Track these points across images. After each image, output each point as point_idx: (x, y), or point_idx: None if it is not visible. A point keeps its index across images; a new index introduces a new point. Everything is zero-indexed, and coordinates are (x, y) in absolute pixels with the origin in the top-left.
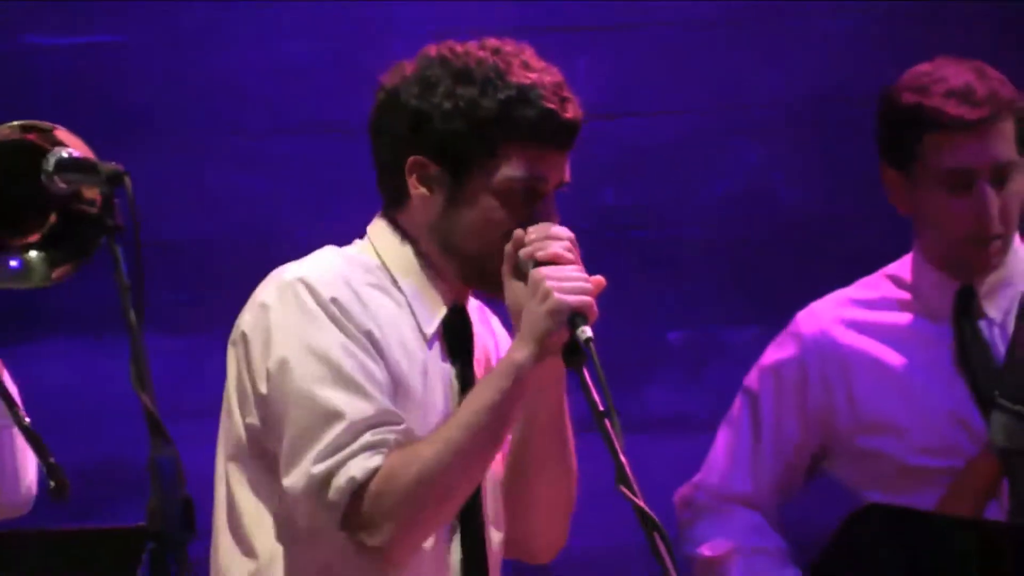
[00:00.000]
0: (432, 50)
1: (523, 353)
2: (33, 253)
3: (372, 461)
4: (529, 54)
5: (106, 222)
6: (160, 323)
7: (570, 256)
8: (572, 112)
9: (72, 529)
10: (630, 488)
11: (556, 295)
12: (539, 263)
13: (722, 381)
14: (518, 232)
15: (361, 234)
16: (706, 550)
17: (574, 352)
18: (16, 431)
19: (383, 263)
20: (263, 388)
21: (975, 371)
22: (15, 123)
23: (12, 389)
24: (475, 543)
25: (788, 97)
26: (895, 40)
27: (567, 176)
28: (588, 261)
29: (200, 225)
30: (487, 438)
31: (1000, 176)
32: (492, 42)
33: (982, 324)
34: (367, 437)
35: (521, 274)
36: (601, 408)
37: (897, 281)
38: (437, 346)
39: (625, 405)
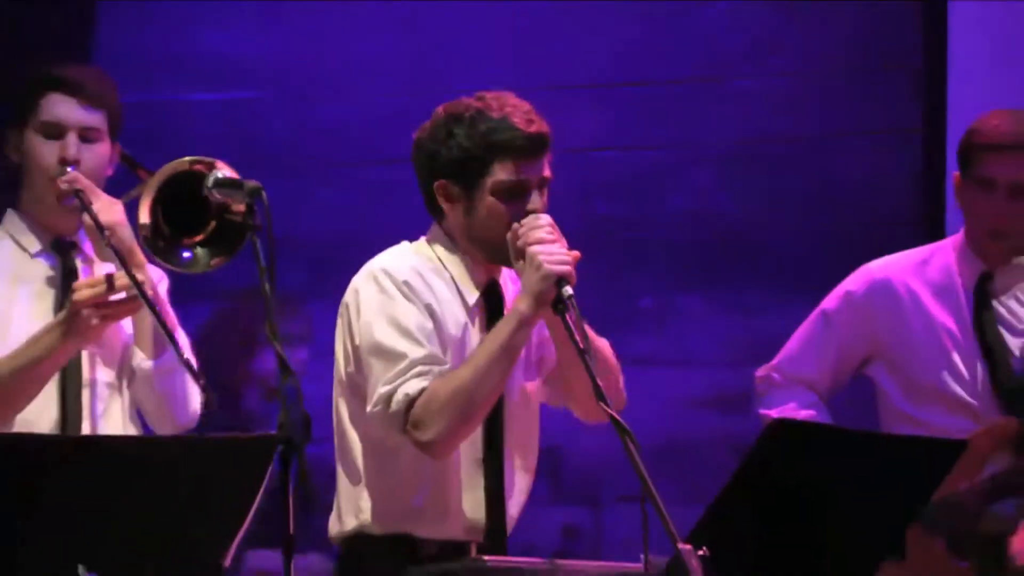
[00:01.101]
0: (440, 108)
1: (524, 305)
2: (199, 249)
3: (421, 383)
4: (506, 97)
5: (249, 224)
6: (287, 293)
7: (551, 237)
8: (536, 128)
9: (219, 436)
10: (605, 403)
11: (546, 266)
12: (529, 244)
13: (676, 333)
14: (513, 226)
15: (423, 232)
16: (774, 413)
17: (560, 304)
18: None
19: (436, 255)
20: (357, 342)
21: (984, 336)
22: (185, 158)
23: (180, 336)
24: (496, 455)
25: (734, 137)
26: (808, 97)
27: (547, 173)
28: (586, 253)
29: (315, 228)
30: (500, 363)
31: (1019, 189)
32: (480, 93)
33: (994, 303)
34: (418, 368)
35: (521, 253)
36: (581, 346)
37: (946, 257)
38: (477, 311)
39: (616, 343)
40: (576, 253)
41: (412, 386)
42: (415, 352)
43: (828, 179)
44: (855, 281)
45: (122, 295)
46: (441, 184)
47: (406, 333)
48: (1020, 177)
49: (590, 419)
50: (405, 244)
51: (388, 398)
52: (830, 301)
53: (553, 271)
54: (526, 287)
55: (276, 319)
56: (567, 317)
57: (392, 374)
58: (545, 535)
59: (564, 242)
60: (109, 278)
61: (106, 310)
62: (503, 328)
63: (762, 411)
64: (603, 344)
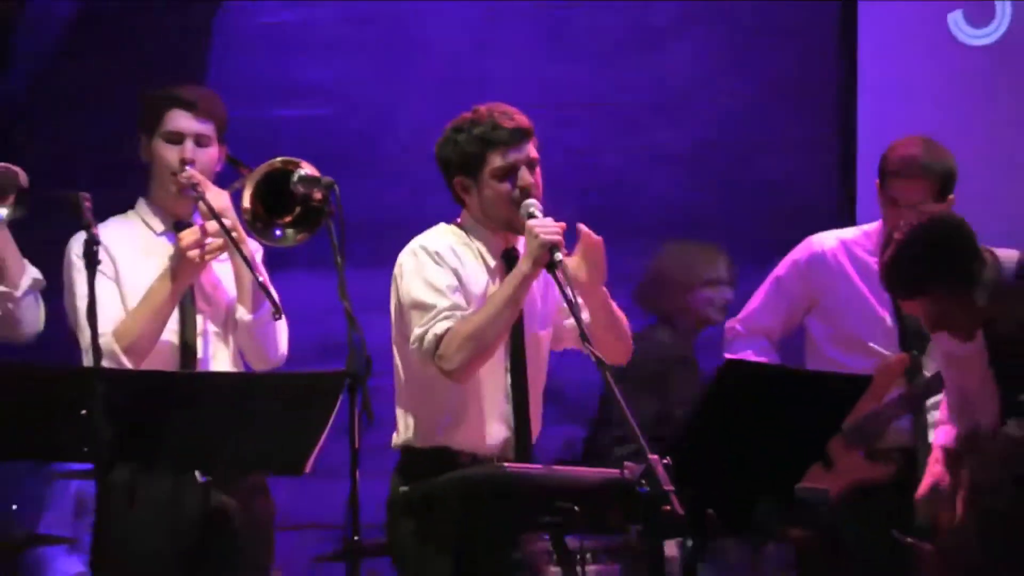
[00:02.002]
0: (450, 123)
1: (525, 266)
2: (288, 228)
3: (446, 324)
4: (494, 105)
5: (326, 210)
6: (355, 263)
7: (539, 214)
8: (514, 123)
9: (303, 372)
10: (588, 342)
11: (541, 236)
12: (527, 220)
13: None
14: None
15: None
16: (734, 356)
17: (552, 266)
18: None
19: (464, 232)
20: (402, 299)
21: (894, 299)
22: (277, 159)
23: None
24: (520, 387)
25: (691, 143)
26: (749, 114)
27: (533, 155)
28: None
29: (373, 214)
30: (506, 309)
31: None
32: (475, 106)
33: None
34: (444, 314)
35: (523, 228)
36: (570, 299)
37: (870, 239)
38: (499, 272)
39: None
40: (563, 224)
41: (439, 327)
42: (442, 303)
43: (766, 176)
44: (799, 252)
45: (218, 241)
46: (457, 180)
47: (436, 290)
48: (916, 199)
49: (609, 359)
50: (442, 225)
51: (422, 338)
52: (780, 269)
53: (546, 240)
54: (527, 252)
55: (346, 283)
56: (557, 275)
57: (425, 320)
58: (548, 448)
59: (551, 219)
60: (202, 228)
61: (202, 251)
62: (509, 283)
63: (727, 355)
64: (614, 305)
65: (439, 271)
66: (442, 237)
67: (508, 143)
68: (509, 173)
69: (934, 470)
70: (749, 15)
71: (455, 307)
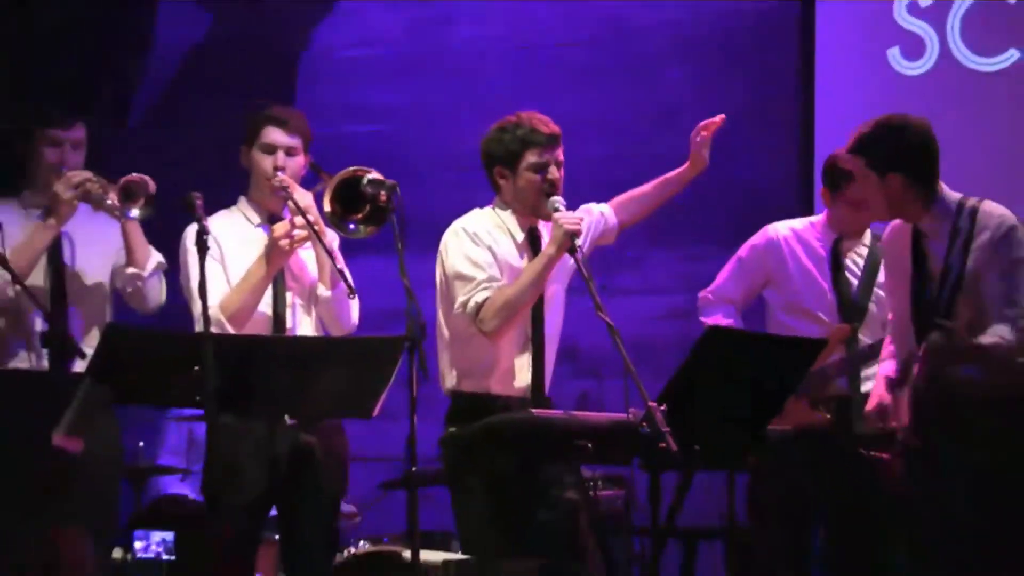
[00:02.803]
0: (495, 124)
1: (552, 250)
2: (360, 223)
3: (485, 294)
4: (533, 113)
5: (389, 207)
6: (412, 249)
7: (563, 208)
8: (549, 129)
9: (371, 336)
10: (601, 310)
11: (566, 226)
12: (554, 212)
13: (647, 272)
14: (547, 206)
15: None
16: (709, 321)
17: (572, 250)
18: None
19: (497, 215)
20: (447, 273)
21: (836, 278)
22: (351, 167)
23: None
24: (539, 340)
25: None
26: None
27: (560, 157)
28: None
29: (426, 208)
30: (534, 284)
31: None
32: (517, 112)
33: (843, 258)
34: (483, 285)
35: (550, 217)
36: (585, 275)
37: (815, 228)
38: (525, 248)
39: (609, 279)
40: (581, 217)
41: (479, 296)
42: (480, 275)
43: (741, 174)
44: (757, 238)
45: (303, 232)
46: (497, 169)
47: (475, 264)
48: (852, 214)
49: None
50: (477, 210)
51: (465, 304)
52: (743, 251)
53: (569, 229)
54: (552, 239)
55: (405, 264)
56: (576, 257)
57: (467, 289)
58: (566, 398)
59: (572, 212)
60: (291, 221)
61: (291, 240)
62: (537, 263)
63: (702, 319)
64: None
65: (477, 249)
66: (478, 220)
67: (543, 144)
68: (541, 168)
69: (880, 392)
70: (724, 50)
71: (491, 279)
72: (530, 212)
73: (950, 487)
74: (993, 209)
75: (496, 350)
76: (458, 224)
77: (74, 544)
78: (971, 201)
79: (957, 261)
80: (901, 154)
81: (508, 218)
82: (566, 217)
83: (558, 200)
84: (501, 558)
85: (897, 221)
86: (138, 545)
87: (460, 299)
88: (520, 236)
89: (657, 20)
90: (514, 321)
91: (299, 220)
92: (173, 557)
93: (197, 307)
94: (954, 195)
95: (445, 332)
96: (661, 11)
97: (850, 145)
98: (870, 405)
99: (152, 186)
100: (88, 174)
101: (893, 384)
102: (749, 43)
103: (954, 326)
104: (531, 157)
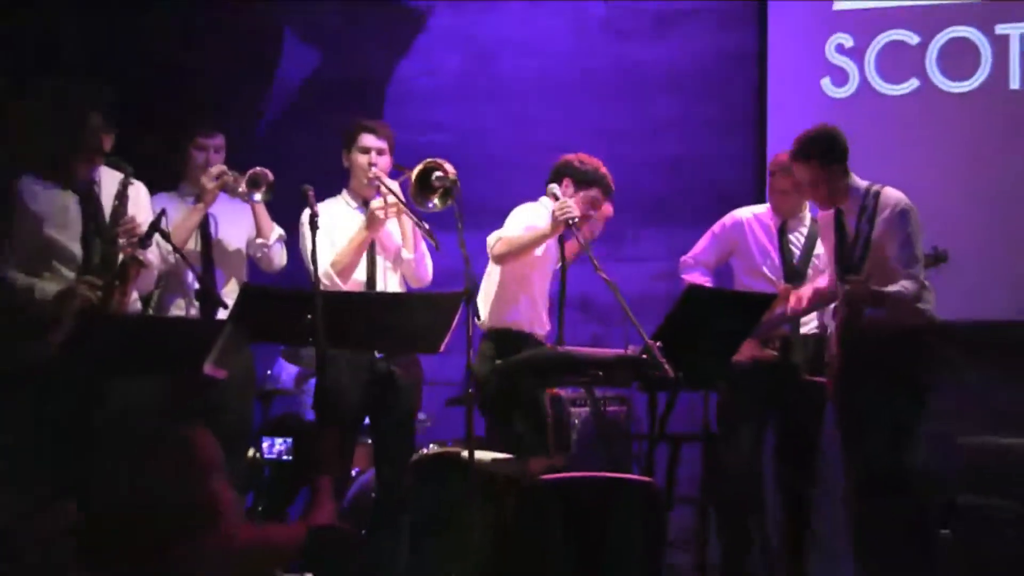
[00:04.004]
0: (579, 156)
1: (547, 229)
2: (436, 201)
3: (499, 235)
4: (596, 160)
5: (454, 192)
6: (471, 226)
7: (560, 196)
8: (609, 182)
9: (435, 292)
10: (599, 269)
11: (555, 213)
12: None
13: (643, 243)
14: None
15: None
16: (688, 278)
17: (570, 227)
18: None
19: (545, 203)
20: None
21: (782, 250)
22: (428, 159)
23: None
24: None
25: (669, 155)
26: (700, 141)
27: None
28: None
29: (478, 196)
30: (529, 241)
31: (789, 192)
32: (600, 162)
33: (789, 235)
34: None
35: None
36: (582, 244)
37: (768, 212)
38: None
39: (616, 250)
40: (577, 204)
41: (495, 236)
42: (516, 231)
43: (712, 173)
44: (726, 219)
45: (394, 202)
46: (568, 180)
47: (519, 225)
48: (790, 184)
49: None
50: (530, 203)
51: (491, 245)
52: (715, 228)
53: (560, 218)
54: (550, 221)
55: (464, 237)
56: (575, 234)
57: (496, 238)
58: (581, 339)
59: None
60: (384, 199)
61: (384, 213)
62: (538, 232)
63: (683, 277)
64: None
65: (521, 220)
66: (531, 207)
67: (605, 191)
68: (596, 201)
69: (806, 292)
70: (700, 80)
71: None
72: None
73: (864, 397)
74: (891, 192)
75: (523, 296)
76: (517, 208)
77: (206, 442)
78: (875, 187)
79: (865, 230)
80: (837, 149)
81: (548, 206)
82: (558, 206)
83: (555, 188)
84: (529, 454)
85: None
86: (265, 447)
87: (491, 240)
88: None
89: (651, 57)
90: (511, 257)
91: (391, 198)
92: (291, 457)
93: (312, 271)
94: (862, 182)
95: (487, 281)
96: (653, 51)
97: (801, 147)
98: (800, 293)
99: (270, 176)
100: (224, 168)
101: (819, 296)
102: (719, 74)
103: (858, 279)
104: (592, 191)
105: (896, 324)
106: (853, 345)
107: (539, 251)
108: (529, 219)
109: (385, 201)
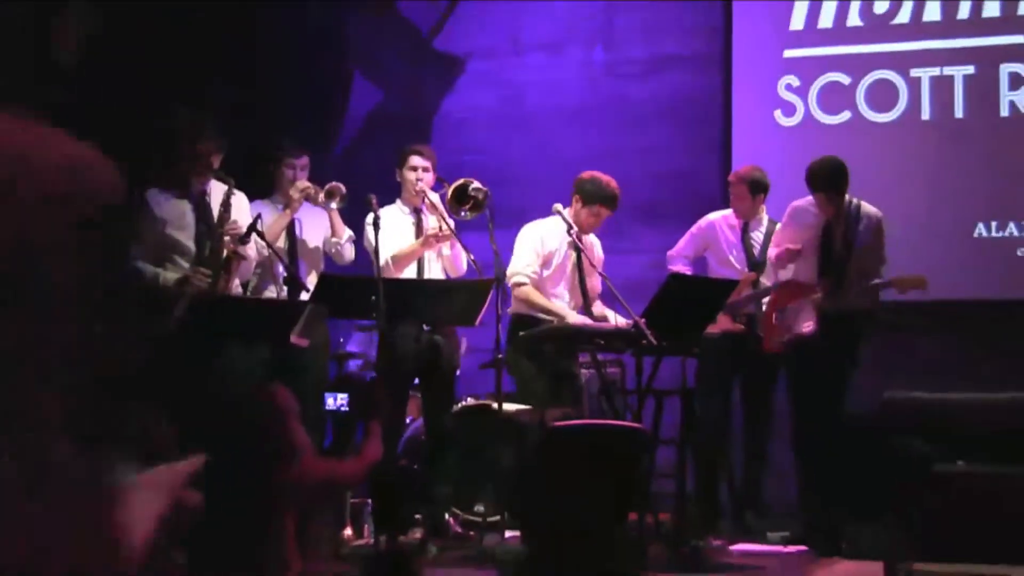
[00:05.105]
0: (593, 173)
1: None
2: (468, 212)
3: (523, 279)
4: (607, 178)
5: (485, 202)
6: (502, 226)
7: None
8: (617, 199)
9: (470, 280)
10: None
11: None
12: None
13: (638, 237)
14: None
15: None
16: (672, 268)
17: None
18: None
19: (561, 220)
20: (517, 244)
21: (745, 245)
22: (461, 180)
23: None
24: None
25: (644, 165)
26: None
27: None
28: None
29: (505, 204)
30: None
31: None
32: (612, 180)
33: (751, 233)
34: (527, 270)
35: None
36: (578, 243)
37: (734, 215)
38: (570, 246)
39: (616, 244)
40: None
41: (518, 279)
42: (525, 265)
43: (692, 186)
44: (702, 221)
45: (447, 233)
46: (577, 196)
47: (529, 252)
48: (745, 206)
49: None
50: (551, 218)
51: (510, 276)
52: (693, 228)
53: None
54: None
55: (494, 236)
56: (580, 248)
57: (513, 269)
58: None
59: None
60: (440, 227)
61: (437, 239)
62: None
63: (669, 266)
64: None
65: (535, 244)
66: (544, 223)
67: (610, 205)
68: (599, 213)
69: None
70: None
71: (533, 268)
72: (581, 230)
73: (831, 359)
74: (868, 206)
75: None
76: (528, 224)
77: (284, 395)
78: (855, 200)
79: (851, 236)
80: (842, 179)
81: (564, 226)
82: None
83: (559, 206)
84: (546, 406)
85: (797, 203)
86: (329, 402)
87: (509, 271)
88: (568, 239)
89: (644, 95)
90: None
91: (445, 228)
92: (348, 409)
93: (376, 265)
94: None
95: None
96: (645, 90)
97: (815, 181)
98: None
99: (343, 188)
100: (308, 183)
101: (792, 252)
102: (696, 107)
103: (828, 283)
104: (603, 211)
105: (861, 308)
106: (829, 326)
107: (550, 268)
108: (534, 247)
109: (440, 229)
